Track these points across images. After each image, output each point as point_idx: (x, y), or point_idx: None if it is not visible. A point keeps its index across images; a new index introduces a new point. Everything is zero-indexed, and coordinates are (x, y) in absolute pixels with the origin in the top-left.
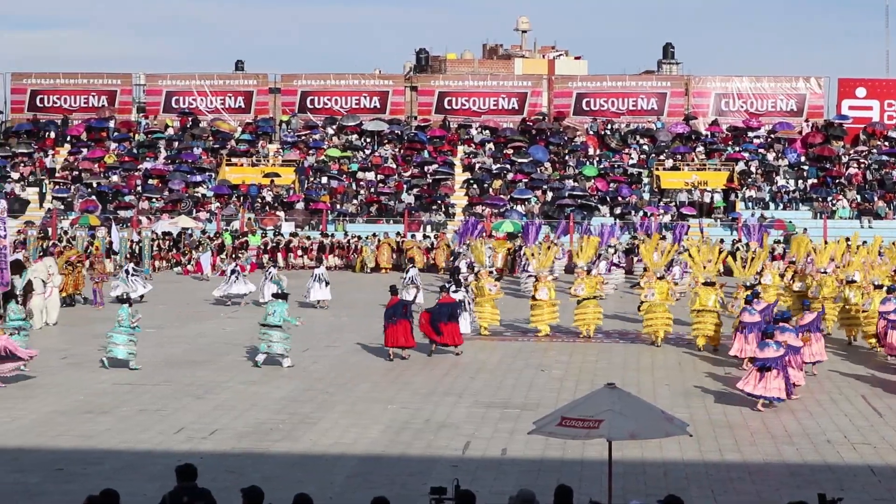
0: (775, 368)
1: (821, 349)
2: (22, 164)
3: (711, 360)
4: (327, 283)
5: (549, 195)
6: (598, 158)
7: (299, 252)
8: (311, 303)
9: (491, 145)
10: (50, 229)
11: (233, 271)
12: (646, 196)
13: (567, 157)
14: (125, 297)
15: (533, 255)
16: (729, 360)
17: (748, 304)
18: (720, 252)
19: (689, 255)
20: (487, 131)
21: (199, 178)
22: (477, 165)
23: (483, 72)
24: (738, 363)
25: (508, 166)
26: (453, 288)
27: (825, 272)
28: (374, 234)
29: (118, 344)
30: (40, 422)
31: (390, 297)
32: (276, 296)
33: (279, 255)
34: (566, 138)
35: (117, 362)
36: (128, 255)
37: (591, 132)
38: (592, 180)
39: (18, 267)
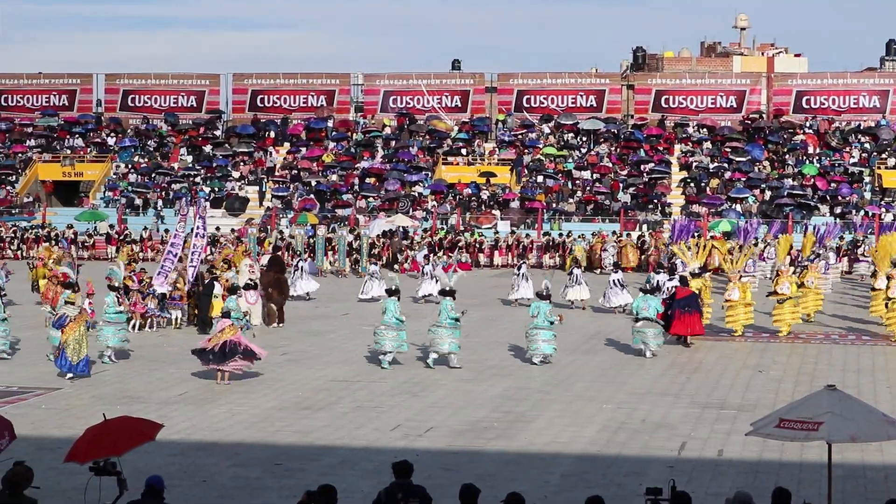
0: None
1: None
2: (242, 163)
3: None
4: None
5: (768, 194)
6: (817, 157)
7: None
8: (510, 301)
9: (708, 144)
10: (270, 227)
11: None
12: (867, 195)
13: (786, 156)
14: (394, 288)
15: (682, 251)
16: None
17: None
18: None
19: None
20: (705, 130)
21: (415, 177)
22: (694, 164)
23: (701, 70)
24: None
25: (726, 165)
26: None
27: None
28: (591, 234)
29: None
30: (260, 417)
31: (681, 287)
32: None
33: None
34: (785, 136)
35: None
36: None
37: (811, 130)
38: (812, 179)
39: (278, 264)
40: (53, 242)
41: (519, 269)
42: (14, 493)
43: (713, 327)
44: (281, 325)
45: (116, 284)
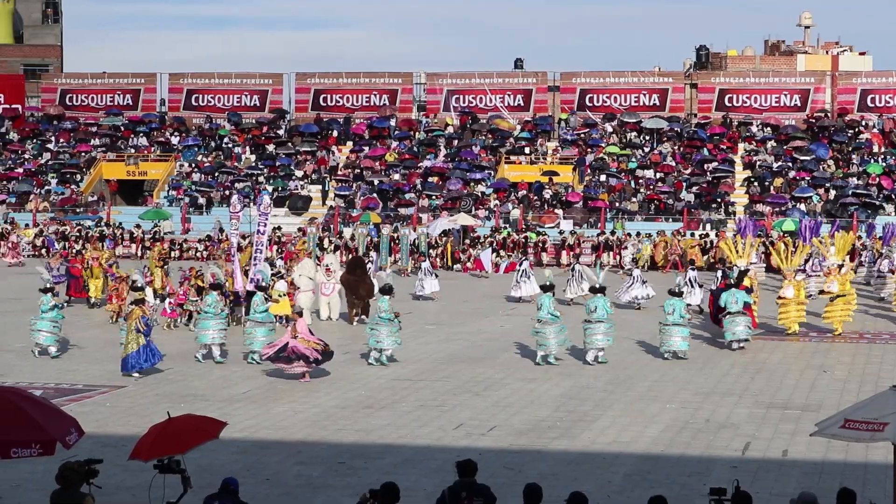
0: None
1: None
2: (306, 162)
3: None
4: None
5: (832, 193)
6: (882, 156)
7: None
8: (515, 298)
9: (772, 142)
10: (332, 227)
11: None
12: None
13: (851, 155)
14: (548, 284)
15: (729, 249)
16: None
17: None
18: None
19: None
20: (769, 128)
21: (478, 176)
22: (758, 163)
23: (765, 68)
24: None
25: (790, 164)
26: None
27: None
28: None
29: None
30: (322, 416)
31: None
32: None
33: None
34: (849, 135)
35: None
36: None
37: (877, 129)
38: (877, 178)
39: (358, 264)
40: (101, 242)
41: (521, 265)
42: (66, 489)
43: (765, 325)
44: (364, 320)
45: (263, 284)
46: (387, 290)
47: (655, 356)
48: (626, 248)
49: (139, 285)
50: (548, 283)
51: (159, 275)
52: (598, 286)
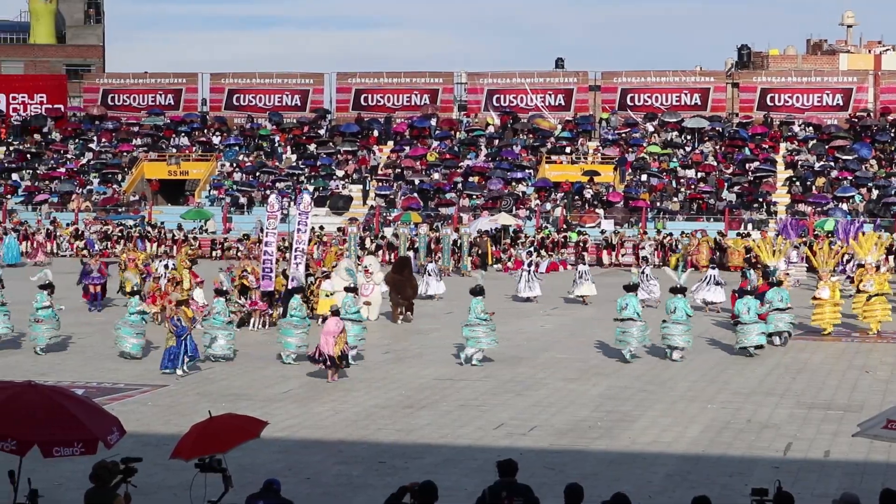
0: None
1: None
2: (346, 162)
3: None
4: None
5: (875, 193)
6: None
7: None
8: (521, 297)
9: (814, 142)
10: (374, 226)
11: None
12: None
13: (893, 154)
14: (632, 284)
15: (762, 249)
16: None
17: None
18: None
19: None
20: (811, 128)
21: (518, 176)
22: (800, 163)
23: (807, 68)
24: None
25: (832, 163)
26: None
27: None
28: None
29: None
30: (362, 415)
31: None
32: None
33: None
34: (893, 135)
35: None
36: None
37: None
38: None
39: (405, 264)
40: (132, 243)
41: (529, 265)
42: (100, 488)
43: (803, 326)
44: (409, 318)
45: (299, 286)
46: (478, 290)
47: (695, 355)
48: (643, 248)
49: (224, 288)
50: (632, 283)
51: (187, 276)
52: (678, 286)
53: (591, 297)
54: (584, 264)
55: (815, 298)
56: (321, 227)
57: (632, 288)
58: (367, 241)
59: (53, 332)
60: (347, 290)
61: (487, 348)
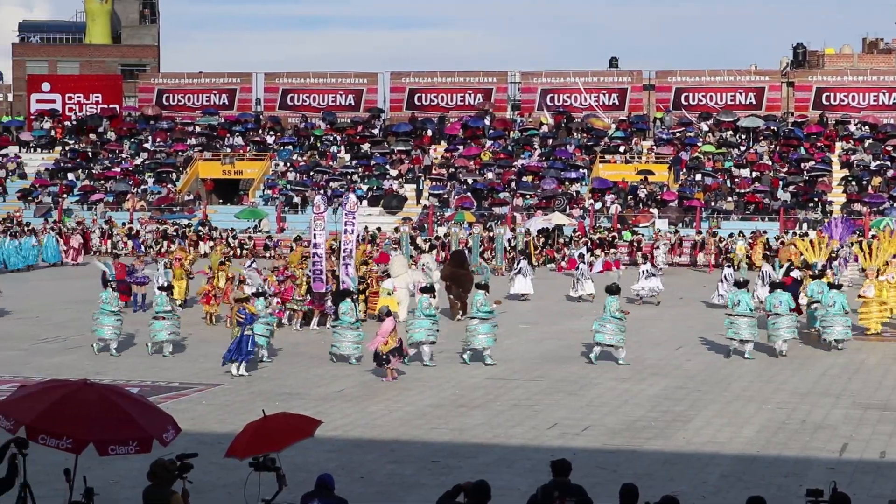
0: None
1: None
2: (400, 162)
3: None
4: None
5: None
6: None
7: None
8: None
9: (870, 141)
10: (427, 226)
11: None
12: None
13: None
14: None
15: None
16: None
17: None
18: None
19: None
20: (867, 127)
21: (572, 175)
22: (855, 162)
23: (862, 67)
24: None
25: (888, 163)
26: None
27: None
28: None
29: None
30: (416, 414)
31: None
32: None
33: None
34: None
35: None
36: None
37: None
38: None
39: (461, 260)
40: (188, 241)
41: (518, 263)
42: (157, 486)
43: (855, 327)
44: (463, 315)
45: (350, 288)
46: (614, 289)
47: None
48: (657, 247)
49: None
50: (741, 280)
51: (223, 276)
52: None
53: (658, 297)
54: (647, 263)
55: (860, 297)
56: (379, 228)
57: (742, 284)
58: (419, 241)
59: (174, 329)
60: (424, 290)
61: (609, 346)
